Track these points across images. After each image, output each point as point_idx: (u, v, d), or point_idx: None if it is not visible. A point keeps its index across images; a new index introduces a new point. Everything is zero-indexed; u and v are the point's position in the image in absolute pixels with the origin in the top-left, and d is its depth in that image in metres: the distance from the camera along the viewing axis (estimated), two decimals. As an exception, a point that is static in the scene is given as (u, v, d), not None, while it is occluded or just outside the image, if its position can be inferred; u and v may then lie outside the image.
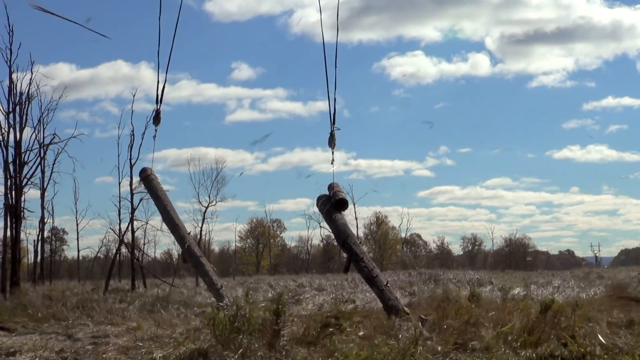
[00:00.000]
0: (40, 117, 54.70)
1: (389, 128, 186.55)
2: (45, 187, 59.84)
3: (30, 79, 52.42)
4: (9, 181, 50.51)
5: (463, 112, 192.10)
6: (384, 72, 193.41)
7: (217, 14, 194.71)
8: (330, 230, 32.16)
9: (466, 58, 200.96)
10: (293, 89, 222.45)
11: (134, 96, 57.53)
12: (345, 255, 27.56)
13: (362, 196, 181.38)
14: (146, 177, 34.81)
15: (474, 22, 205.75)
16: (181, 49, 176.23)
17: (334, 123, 27.39)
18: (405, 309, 23.90)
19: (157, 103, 30.93)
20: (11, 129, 50.93)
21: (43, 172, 58.67)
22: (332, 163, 27.91)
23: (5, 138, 50.64)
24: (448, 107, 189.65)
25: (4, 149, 50.64)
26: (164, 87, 30.34)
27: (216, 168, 77.20)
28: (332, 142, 27.35)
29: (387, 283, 25.14)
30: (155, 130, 31.73)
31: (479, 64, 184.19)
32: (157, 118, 31.42)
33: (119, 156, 59.07)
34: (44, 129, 54.88)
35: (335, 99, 27.24)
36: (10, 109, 51.14)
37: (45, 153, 56.13)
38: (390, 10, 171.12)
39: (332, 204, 27.33)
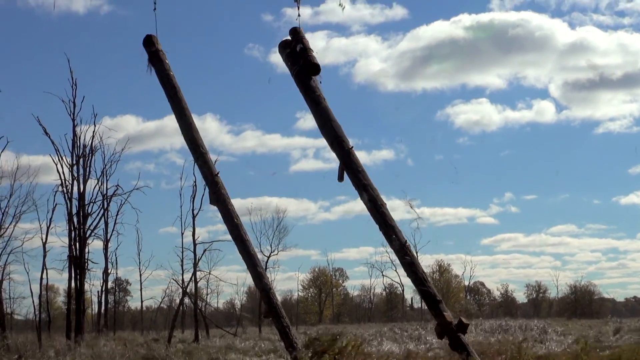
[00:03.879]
0: (103, 169, 55.21)
1: (453, 175, 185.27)
2: (108, 238, 60.29)
3: (94, 132, 52.99)
4: (72, 233, 50.85)
5: (528, 159, 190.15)
6: (448, 119, 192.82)
7: (281, 66, 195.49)
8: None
9: (531, 105, 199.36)
10: (357, 138, 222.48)
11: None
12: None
13: (425, 244, 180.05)
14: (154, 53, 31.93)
15: (539, 68, 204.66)
16: (246, 100, 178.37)
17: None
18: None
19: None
20: (75, 181, 51.39)
21: (106, 223, 59.10)
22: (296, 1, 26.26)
23: (69, 190, 51.12)
24: (513, 154, 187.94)
25: (67, 201, 51.13)
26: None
27: (277, 217, 77.25)
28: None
29: None
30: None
31: (544, 111, 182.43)
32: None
33: (181, 207, 59.39)
34: (107, 180, 55.36)
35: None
36: (74, 162, 51.64)
37: (108, 205, 56.58)
38: (453, 59, 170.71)
39: (301, 65, 25.83)
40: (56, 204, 52.36)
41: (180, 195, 61.47)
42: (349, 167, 25.03)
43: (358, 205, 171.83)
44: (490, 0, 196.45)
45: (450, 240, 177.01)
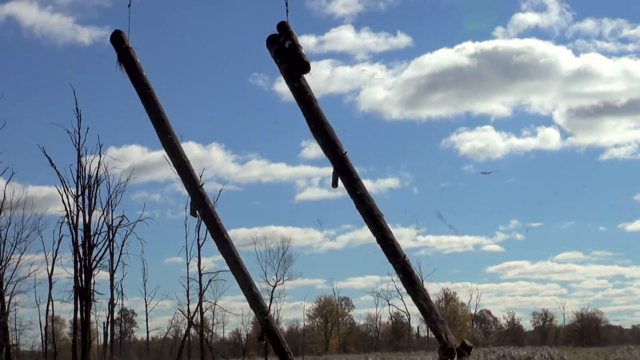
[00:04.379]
0: (109, 199, 55.26)
1: (459, 203, 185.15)
2: (114, 269, 60.19)
3: (99, 162, 53.07)
4: (78, 264, 50.82)
5: (533, 187, 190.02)
6: (453, 147, 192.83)
7: (286, 94, 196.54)
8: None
9: (535, 132, 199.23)
10: (362, 167, 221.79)
11: (200, 177, 57.72)
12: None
13: (431, 272, 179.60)
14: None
15: (543, 95, 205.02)
16: (251, 129, 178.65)
17: None
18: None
19: None
20: (80, 212, 51.42)
21: (112, 254, 59.02)
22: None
23: (75, 221, 51.15)
24: (518, 181, 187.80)
25: (73, 231, 51.18)
26: None
27: (283, 247, 77.21)
28: None
29: None
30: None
31: (549, 138, 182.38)
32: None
33: (186, 237, 59.34)
34: (112, 211, 55.38)
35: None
36: (80, 192, 51.70)
37: (114, 235, 56.57)
38: (457, 87, 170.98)
39: (290, 63, 25.25)
40: (62, 235, 52.51)
41: (186, 225, 61.68)
42: (343, 173, 24.44)
43: (364, 234, 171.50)
44: (494, 27, 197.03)
45: (456, 268, 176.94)
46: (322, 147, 25.27)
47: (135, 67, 29.18)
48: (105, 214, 54.57)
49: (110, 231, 55.12)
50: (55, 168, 51.69)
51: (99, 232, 53.05)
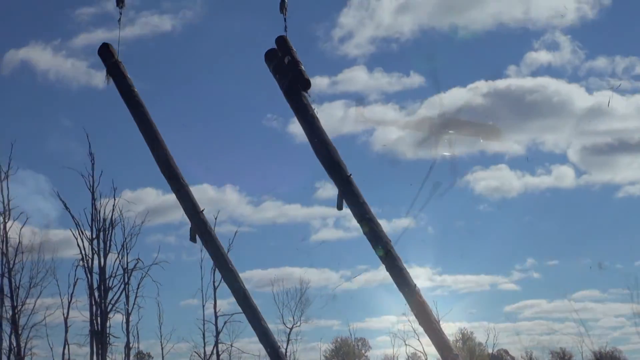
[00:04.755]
0: (123, 242, 55.19)
1: (474, 242, 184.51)
2: (130, 311, 59.97)
3: (114, 205, 53.11)
4: (94, 307, 50.72)
5: (549, 225, 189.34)
6: (468, 186, 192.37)
7: (300, 135, 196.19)
8: None
9: (550, 170, 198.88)
10: (377, 206, 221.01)
11: (215, 219, 57.84)
12: None
13: (448, 312, 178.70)
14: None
15: (557, 133, 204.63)
16: (266, 170, 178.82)
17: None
18: None
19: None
20: (95, 255, 51.41)
21: (127, 297, 58.84)
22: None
23: (90, 264, 51.10)
24: (534, 220, 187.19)
25: (88, 275, 51.11)
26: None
27: (300, 289, 76.91)
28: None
29: None
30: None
31: (564, 176, 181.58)
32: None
33: (202, 279, 59.16)
34: (127, 254, 55.31)
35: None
36: (94, 235, 51.72)
37: (129, 278, 56.44)
38: (471, 125, 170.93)
39: (290, 79, 24.12)
40: (77, 279, 52.40)
41: (201, 267, 61.43)
42: (348, 196, 23.51)
43: (380, 274, 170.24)
44: (507, 66, 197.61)
45: (472, 308, 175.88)
46: (326, 168, 24.36)
47: (126, 82, 27.99)
48: (120, 257, 54.57)
49: (126, 274, 55.05)
50: (69, 212, 51.84)
51: (114, 275, 53.09)
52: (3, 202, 54.82)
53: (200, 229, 25.74)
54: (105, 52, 27.20)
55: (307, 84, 23.94)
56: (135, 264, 55.72)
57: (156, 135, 26.64)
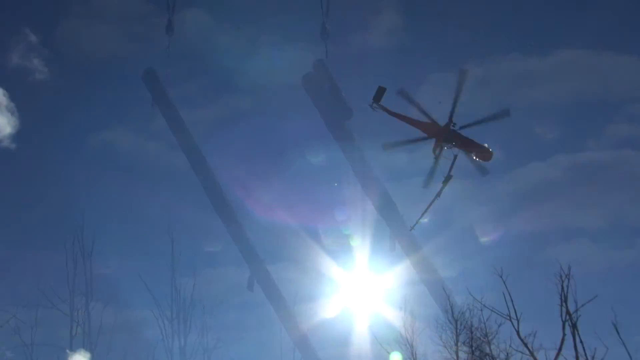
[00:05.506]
0: (203, 321, 55.09)
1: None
2: (213, 392, 59.58)
3: (194, 285, 53.17)
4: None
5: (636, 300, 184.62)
6: (549, 260, 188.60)
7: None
8: None
9: (633, 244, 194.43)
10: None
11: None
12: None
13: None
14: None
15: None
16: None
17: None
18: None
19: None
20: (175, 335, 51.35)
21: (209, 377, 58.54)
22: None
23: (170, 344, 51.05)
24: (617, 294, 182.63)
25: (169, 355, 51.00)
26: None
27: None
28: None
29: None
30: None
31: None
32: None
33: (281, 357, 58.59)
34: (207, 333, 55.14)
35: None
36: (174, 315, 51.74)
37: (210, 358, 56.17)
38: (552, 200, 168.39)
39: (332, 110, 23.50)
40: (157, 360, 52.22)
41: (281, 344, 60.83)
42: None
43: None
44: (586, 140, 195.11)
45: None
46: (376, 207, 23.50)
47: (172, 110, 27.02)
48: (200, 337, 54.34)
49: (206, 354, 54.77)
50: (150, 292, 51.98)
51: (195, 355, 52.78)
52: (86, 283, 55.27)
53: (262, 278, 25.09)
54: (151, 77, 26.16)
55: (350, 113, 23.43)
56: (216, 343, 55.49)
57: (205, 165, 25.96)
